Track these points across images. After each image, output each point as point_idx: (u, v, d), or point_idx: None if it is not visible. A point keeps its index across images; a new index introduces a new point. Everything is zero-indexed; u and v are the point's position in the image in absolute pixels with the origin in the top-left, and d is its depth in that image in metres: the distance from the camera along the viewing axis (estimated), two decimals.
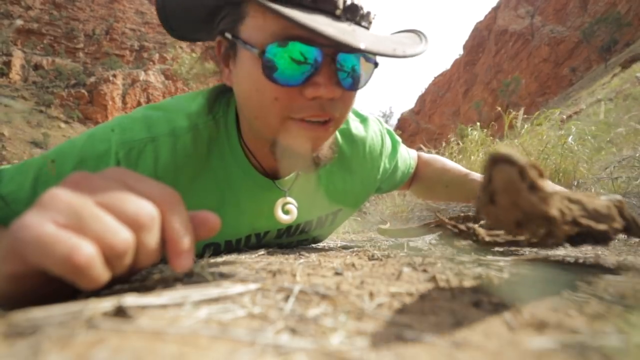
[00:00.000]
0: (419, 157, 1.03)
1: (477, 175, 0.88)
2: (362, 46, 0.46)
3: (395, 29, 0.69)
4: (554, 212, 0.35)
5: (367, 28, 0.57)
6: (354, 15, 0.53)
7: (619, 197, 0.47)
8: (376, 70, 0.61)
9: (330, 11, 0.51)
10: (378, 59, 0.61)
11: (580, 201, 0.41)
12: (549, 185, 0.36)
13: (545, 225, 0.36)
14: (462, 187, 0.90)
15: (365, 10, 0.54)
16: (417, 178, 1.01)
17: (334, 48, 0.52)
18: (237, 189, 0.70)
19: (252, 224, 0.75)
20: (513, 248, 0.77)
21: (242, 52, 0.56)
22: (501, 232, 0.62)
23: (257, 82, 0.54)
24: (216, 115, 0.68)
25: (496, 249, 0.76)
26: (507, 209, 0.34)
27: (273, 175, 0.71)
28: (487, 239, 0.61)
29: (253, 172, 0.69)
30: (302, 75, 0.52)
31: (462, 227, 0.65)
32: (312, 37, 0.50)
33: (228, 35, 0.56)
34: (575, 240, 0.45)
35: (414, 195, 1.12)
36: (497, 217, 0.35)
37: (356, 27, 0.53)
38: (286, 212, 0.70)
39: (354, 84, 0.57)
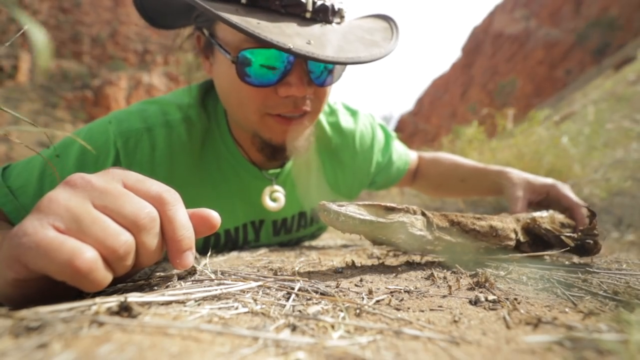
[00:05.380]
0: (422, 156, 1.03)
1: (495, 167, 0.85)
2: (326, 58, 0.48)
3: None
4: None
5: (340, 23, 0.58)
6: (325, 15, 0.54)
7: (532, 215, 0.57)
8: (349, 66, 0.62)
9: (299, 14, 0.52)
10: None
11: (460, 223, 0.49)
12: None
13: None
14: (483, 179, 0.87)
15: (336, 7, 0.55)
16: (422, 175, 1.00)
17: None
18: (229, 177, 0.71)
19: (245, 212, 0.76)
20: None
21: (217, 52, 0.58)
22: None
23: (233, 82, 0.57)
24: (207, 107, 0.70)
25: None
26: None
27: (262, 165, 0.73)
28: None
29: (244, 161, 0.71)
30: (275, 76, 0.54)
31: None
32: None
33: (205, 32, 0.59)
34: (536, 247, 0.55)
35: (421, 192, 1.08)
36: None
37: (327, 28, 0.54)
38: (274, 200, 0.71)
39: (327, 81, 0.59)
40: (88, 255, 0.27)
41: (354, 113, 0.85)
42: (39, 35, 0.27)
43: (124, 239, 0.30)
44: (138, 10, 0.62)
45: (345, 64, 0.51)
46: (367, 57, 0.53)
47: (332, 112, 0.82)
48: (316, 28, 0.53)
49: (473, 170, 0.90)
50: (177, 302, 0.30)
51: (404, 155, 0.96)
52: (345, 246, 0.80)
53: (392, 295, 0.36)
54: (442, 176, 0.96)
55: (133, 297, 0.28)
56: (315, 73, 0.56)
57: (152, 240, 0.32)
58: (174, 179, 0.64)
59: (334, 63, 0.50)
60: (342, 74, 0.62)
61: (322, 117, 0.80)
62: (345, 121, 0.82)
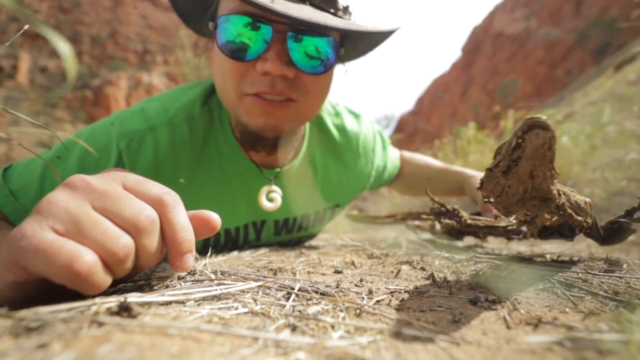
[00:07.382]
0: (402, 156, 1.06)
1: (457, 168, 0.92)
2: (285, 13, 0.47)
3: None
4: (554, 192, 0.38)
5: (335, 14, 0.57)
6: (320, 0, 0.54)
7: (587, 199, 0.50)
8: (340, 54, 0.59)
9: None
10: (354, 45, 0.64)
11: (566, 193, 0.45)
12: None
13: (538, 206, 0.39)
14: (446, 179, 0.93)
15: None
16: (400, 175, 1.04)
17: (283, 25, 0.53)
18: (231, 177, 0.71)
19: (247, 212, 0.76)
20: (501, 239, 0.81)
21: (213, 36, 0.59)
22: (482, 217, 0.70)
23: (218, 59, 0.57)
24: (211, 106, 0.70)
25: (483, 242, 0.81)
26: (519, 180, 0.35)
27: (262, 164, 0.73)
28: (469, 221, 0.67)
29: (245, 161, 0.71)
30: (255, 51, 0.54)
31: (449, 207, 0.70)
32: (262, 14, 0.52)
33: (210, 24, 0.59)
34: (544, 234, 0.49)
35: (394, 190, 1.17)
36: (504, 188, 0.36)
37: (318, 12, 0.53)
38: (270, 200, 0.71)
39: (312, 67, 0.56)
40: (87, 259, 0.27)
41: (357, 116, 0.87)
42: (64, 48, 0.27)
43: (123, 242, 0.29)
44: (175, 10, 0.63)
45: (305, 24, 0.48)
46: (342, 25, 0.51)
47: (337, 113, 0.83)
48: (309, 8, 0.53)
49: (439, 169, 0.96)
50: (177, 302, 0.30)
51: (395, 159, 1.00)
52: (345, 246, 0.80)
53: (392, 295, 0.36)
54: (414, 175, 1.01)
55: (133, 297, 0.28)
56: (297, 54, 0.54)
57: (152, 243, 0.32)
58: (178, 178, 0.64)
59: (294, 21, 0.48)
60: (331, 66, 0.58)
61: (328, 119, 0.80)
62: (350, 124, 0.83)
